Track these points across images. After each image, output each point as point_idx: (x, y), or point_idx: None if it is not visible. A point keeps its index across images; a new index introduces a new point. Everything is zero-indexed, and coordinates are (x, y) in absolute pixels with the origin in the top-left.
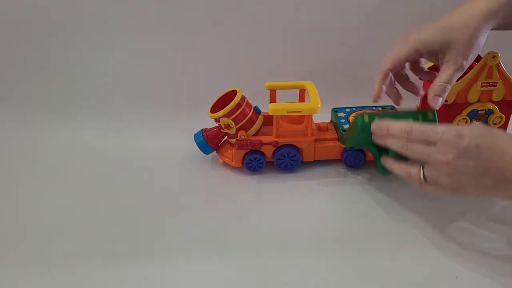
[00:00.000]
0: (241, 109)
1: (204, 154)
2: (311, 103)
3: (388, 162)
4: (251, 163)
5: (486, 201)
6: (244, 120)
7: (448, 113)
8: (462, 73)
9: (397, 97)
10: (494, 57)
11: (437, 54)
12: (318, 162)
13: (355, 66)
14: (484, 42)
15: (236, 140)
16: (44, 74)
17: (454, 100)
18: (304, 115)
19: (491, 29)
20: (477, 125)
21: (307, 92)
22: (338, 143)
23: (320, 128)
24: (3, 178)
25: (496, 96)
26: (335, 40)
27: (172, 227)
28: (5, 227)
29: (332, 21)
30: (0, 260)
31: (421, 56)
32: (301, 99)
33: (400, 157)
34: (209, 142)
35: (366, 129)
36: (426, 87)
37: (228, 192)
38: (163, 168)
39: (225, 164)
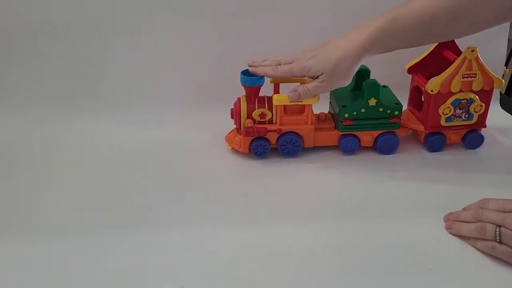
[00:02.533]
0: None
1: (214, 145)
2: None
3: (455, 224)
4: (257, 148)
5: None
6: None
7: (434, 103)
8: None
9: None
10: (473, 51)
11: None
12: (318, 148)
13: None
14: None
15: (244, 127)
16: (66, 72)
17: (439, 90)
18: (305, 105)
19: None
20: None
21: None
22: (335, 131)
23: (319, 117)
24: (31, 165)
25: (476, 86)
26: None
27: (186, 203)
28: (32, 205)
29: (330, 20)
30: (29, 234)
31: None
32: None
33: None
34: None
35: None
36: (414, 81)
37: (236, 173)
38: (176, 155)
39: (233, 151)
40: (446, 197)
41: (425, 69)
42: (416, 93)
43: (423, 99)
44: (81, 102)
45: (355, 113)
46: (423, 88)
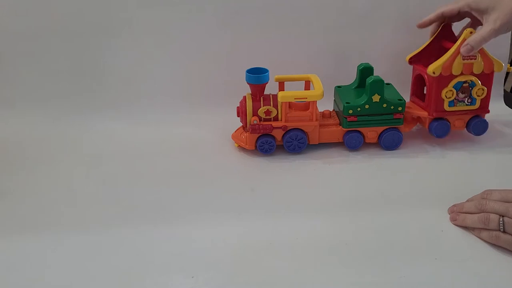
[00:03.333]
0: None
1: (221, 143)
2: (316, 91)
3: (460, 215)
4: (263, 145)
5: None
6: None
7: (436, 87)
8: (497, 35)
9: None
10: (471, 33)
11: (483, 13)
12: (322, 145)
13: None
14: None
15: (250, 124)
16: (73, 72)
17: (441, 73)
18: (309, 103)
19: None
20: None
21: (312, 83)
22: (340, 127)
23: (324, 115)
24: (37, 163)
25: (477, 69)
26: (336, 37)
27: (194, 198)
28: (39, 202)
29: (332, 20)
30: (39, 231)
31: (470, 13)
32: (307, 90)
33: None
34: None
35: None
36: (416, 70)
37: (242, 169)
38: (182, 152)
39: (240, 148)
40: (450, 189)
41: (425, 59)
42: (418, 83)
43: (425, 91)
44: (89, 100)
45: (359, 109)
46: (425, 76)
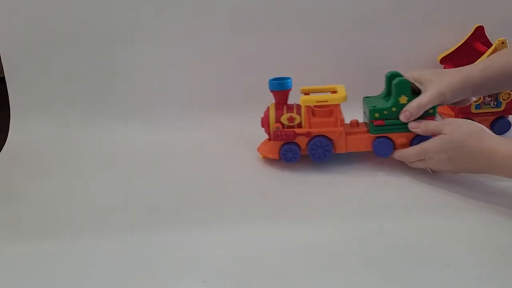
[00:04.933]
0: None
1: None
2: (338, 94)
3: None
4: (286, 153)
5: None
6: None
7: None
8: (435, 103)
9: None
10: (503, 43)
11: (424, 84)
12: (350, 154)
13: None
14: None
15: (273, 131)
16: (88, 78)
17: None
18: (333, 109)
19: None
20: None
21: (338, 91)
22: (367, 134)
23: (352, 124)
24: (52, 167)
25: None
26: (360, 44)
27: (207, 203)
28: (54, 206)
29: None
30: (69, 229)
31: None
32: None
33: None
34: None
35: None
36: None
37: (256, 175)
38: (196, 158)
39: (264, 159)
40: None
41: (456, 59)
42: None
43: None
44: (103, 106)
45: (385, 112)
46: None
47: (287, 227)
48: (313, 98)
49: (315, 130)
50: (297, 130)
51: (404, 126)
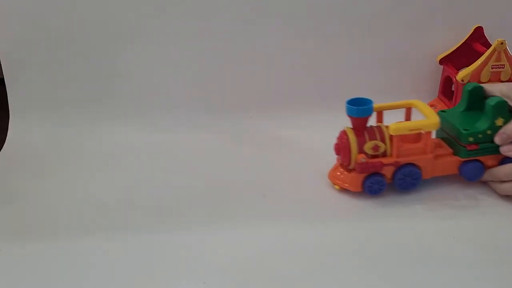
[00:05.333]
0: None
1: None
2: (431, 119)
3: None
4: (372, 186)
5: None
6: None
7: None
8: None
9: None
10: (502, 43)
11: None
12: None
13: None
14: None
15: (357, 163)
16: (87, 79)
17: (469, 80)
18: (420, 133)
19: None
20: None
21: (419, 110)
22: (455, 157)
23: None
24: (52, 168)
25: (504, 77)
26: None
27: (208, 204)
28: (55, 206)
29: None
30: (69, 229)
31: None
32: (407, 118)
33: None
34: None
35: None
36: (445, 71)
37: (256, 176)
38: (201, 160)
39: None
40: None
41: (456, 60)
42: (447, 83)
43: (453, 89)
44: (103, 106)
45: (480, 135)
46: (454, 78)
47: (287, 227)
48: (405, 126)
49: (403, 159)
50: (384, 160)
51: (496, 148)
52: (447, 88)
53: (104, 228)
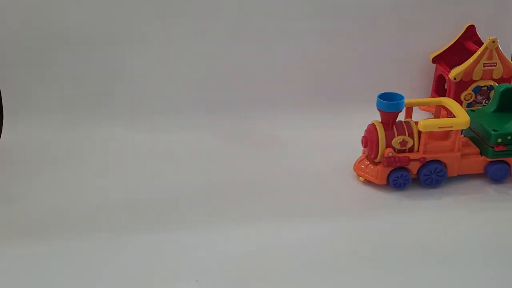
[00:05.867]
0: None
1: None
2: (461, 118)
3: None
4: (397, 180)
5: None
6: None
7: (456, 90)
8: None
9: None
10: (493, 42)
11: None
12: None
13: None
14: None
15: (384, 157)
16: (85, 81)
17: (461, 79)
18: (449, 131)
19: None
20: None
21: (450, 108)
22: (482, 157)
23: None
24: (53, 169)
25: (496, 74)
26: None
27: (203, 204)
28: (56, 207)
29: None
30: (65, 229)
31: None
32: (437, 115)
33: None
34: None
35: None
36: (438, 69)
37: (251, 175)
38: (195, 160)
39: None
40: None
41: (448, 58)
42: (439, 81)
43: (446, 87)
44: (101, 107)
45: (509, 137)
46: (446, 77)
47: (281, 227)
48: (435, 123)
49: (430, 156)
50: (411, 156)
51: None
52: (440, 86)
53: (98, 228)
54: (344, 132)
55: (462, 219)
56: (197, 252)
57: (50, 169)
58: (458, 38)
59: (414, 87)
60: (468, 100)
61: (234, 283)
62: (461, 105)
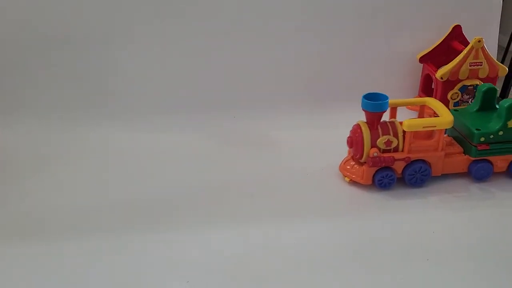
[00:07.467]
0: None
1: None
2: (445, 117)
3: None
4: (382, 180)
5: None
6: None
7: (443, 89)
8: None
9: None
10: (479, 41)
11: None
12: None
13: None
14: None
15: (369, 157)
16: (80, 83)
17: (448, 78)
18: (433, 131)
19: None
20: None
21: (434, 107)
22: (465, 156)
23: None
24: (47, 170)
25: (482, 74)
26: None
27: (195, 205)
28: (49, 208)
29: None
30: (58, 230)
31: None
32: (421, 115)
33: None
34: None
35: None
36: (425, 69)
37: (244, 175)
38: (188, 161)
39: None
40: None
41: (435, 58)
42: (427, 80)
43: (433, 86)
44: (97, 107)
45: (491, 136)
46: (433, 76)
47: (273, 227)
48: (419, 123)
49: (415, 155)
50: (396, 155)
51: (507, 149)
52: (427, 86)
53: (91, 229)
54: (334, 132)
55: (447, 217)
56: (188, 253)
57: (49, 169)
58: (445, 38)
59: (401, 86)
60: (454, 99)
61: (224, 283)
62: (448, 104)
